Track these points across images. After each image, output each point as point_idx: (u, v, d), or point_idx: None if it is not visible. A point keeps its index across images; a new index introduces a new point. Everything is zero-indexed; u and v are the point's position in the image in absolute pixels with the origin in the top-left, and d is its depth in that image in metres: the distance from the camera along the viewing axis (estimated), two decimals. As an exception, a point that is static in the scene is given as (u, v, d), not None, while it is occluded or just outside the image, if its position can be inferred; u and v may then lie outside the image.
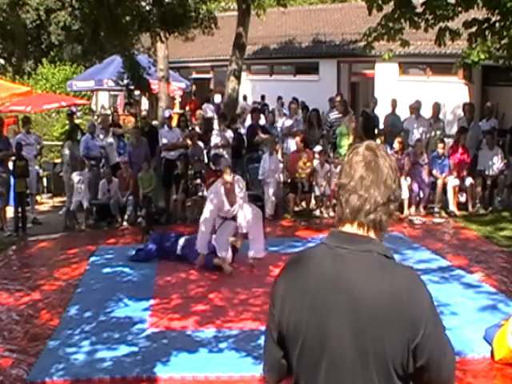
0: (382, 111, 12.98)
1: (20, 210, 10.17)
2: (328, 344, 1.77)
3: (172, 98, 17.88)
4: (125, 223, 10.47)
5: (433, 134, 11.69)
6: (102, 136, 11.65)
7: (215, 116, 13.85)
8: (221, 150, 11.26)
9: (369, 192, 1.82)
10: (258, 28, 19.74)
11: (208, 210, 7.64)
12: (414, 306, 1.76)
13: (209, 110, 16.71)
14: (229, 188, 7.66)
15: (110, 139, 11.61)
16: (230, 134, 11.41)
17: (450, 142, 11.91)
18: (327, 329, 1.78)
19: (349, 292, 1.76)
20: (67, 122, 13.76)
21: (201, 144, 11.36)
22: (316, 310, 1.80)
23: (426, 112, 12.08)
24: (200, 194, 10.50)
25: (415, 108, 11.91)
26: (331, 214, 10.71)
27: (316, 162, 10.98)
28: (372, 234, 1.84)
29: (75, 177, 10.43)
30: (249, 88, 20.17)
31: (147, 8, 13.51)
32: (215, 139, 11.34)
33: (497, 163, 10.87)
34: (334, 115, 12.42)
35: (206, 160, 11.39)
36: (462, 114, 12.32)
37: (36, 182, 11.69)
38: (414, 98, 12.27)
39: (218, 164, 10.88)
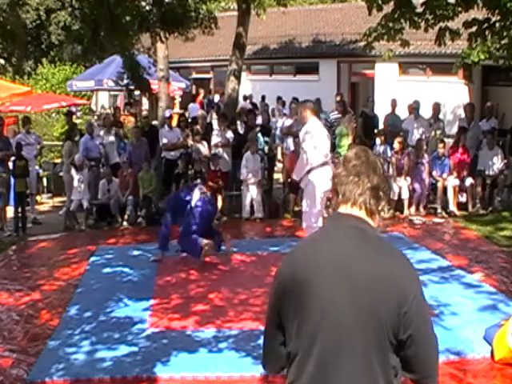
0: (381, 111, 12.98)
1: (20, 210, 10.17)
2: (326, 312, 1.95)
3: (172, 98, 17.89)
4: (125, 223, 10.48)
5: (433, 134, 11.69)
6: (102, 133, 11.65)
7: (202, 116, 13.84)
8: (221, 150, 11.27)
9: (359, 177, 2.10)
10: (258, 28, 19.74)
11: None
12: (403, 276, 1.98)
13: (194, 110, 16.88)
14: None
15: (111, 138, 11.61)
16: (230, 134, 11.41)
17: (450, 142, 11.92)
18: (326, 297, 1.96)
19: (346, 264, 1.97)
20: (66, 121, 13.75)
21: (204, 143, 11.36)
22: (316, 282, 1.98)
23: (426, 112, 12.08)
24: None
25: (414, 108, 11.91)
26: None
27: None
28: (364, 215, 2.10)
29: (75, 176, 10.43)
30: (249, 88, 20.17)
31: (147, 8, 13.50)
32: (215, 139, 11.34)
33: (497, 163, 10.87)
34: (334, 115, 12.41)
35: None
36: (463, 114, 12.32)
37: (36, 182, 11.69)
38: (414, 98, 12.27)
39: (216, 164, 10.90)
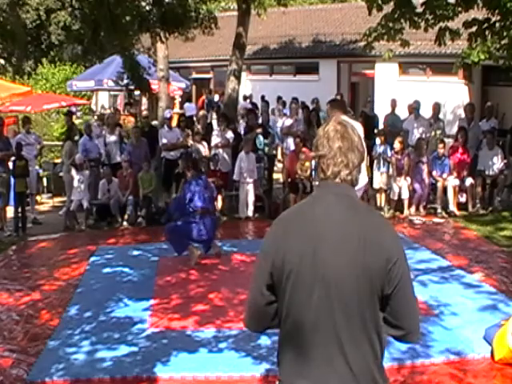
0: (381, 111, 12.98)
1: (20, 210, 10.17)
2: (321, 271, 2.07)
3: (172, 98, 17.89)
4: (125, 223, 10.48)
5: (433, 133, 11.69)
6: (104, 132, 11.65)
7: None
8: (221, 150, 11.27)
9: (347, 157, 2.22)
10: (258, 28, 19.74)
11: None
12: (390, 239, 2.18)
13: (189, 110, 16.90)
14: None
15: (114, 137, 11.61)
16: (229, 134, 11.41)
17: (450, 142, 11.92)
18: (320, 257, 2.08)
19: (342, 228, 2.11)
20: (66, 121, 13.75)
21: (204, 144, 11.36)
22: (310, 243, 2.10)
23: (426, 112, 12.08)
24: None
25: (414, 108, 11.91)
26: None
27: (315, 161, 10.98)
28: (349, 186, 2.25)
29: (75, 176, 10.43)
30: (249, 88, 20.17)
31: (147, 8, 13.49)
32: (215, 139, 11.34)
33: (497, 163, 10.87)
34: (334, 115, 12.40)
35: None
36: (463, 114, 12.32)
37: (36, 182, 11.68)
38: (414, 98, 12.27)
39: (216, 164, 10.90)
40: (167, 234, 8.14)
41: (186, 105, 18.44)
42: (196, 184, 8.01)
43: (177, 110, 18.10)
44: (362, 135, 7.35)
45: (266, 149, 11.89)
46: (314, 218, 2.15)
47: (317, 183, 2.29)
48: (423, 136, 11.49)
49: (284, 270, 2.10)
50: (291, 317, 2.12)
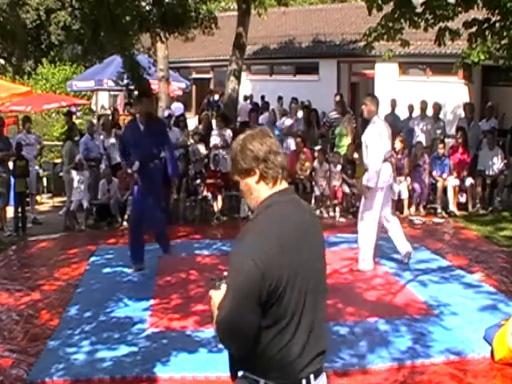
0: (381, 111, 12.96)
1: (20, 210, 10.17)
2: (307, 275, 2.29)
3: (172, 98, 17.90)
4: (125, 223, 10.47)
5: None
6: (102, 137, 11.64)
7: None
8: (221, 150, 11.26)
9: (281, 157, 2.41)
10: (258, 28, 19.74)
11: None
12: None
13: (178, 110, 16.98)
14: None
15: (112, 140, 11.60)
16: (229, 134, 11.40)
17: (450, 142, 11.92)
18: (305, 263, 2.28)
19: (306, 227, 2.35)
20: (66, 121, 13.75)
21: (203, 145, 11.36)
22: (294, 251, 2.26)
23: (426, 112, 12.07)
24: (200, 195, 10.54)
25: (421, 108, 11.93)
26: (331, 214, 10.74)
27: (315, 161, 10.97)
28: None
29: (75, 176, 10.43)
30: (249, 88, 20.17)
31: (147, 8, 13.48)
32: (214, 140, 11.33)
33: (497, 163, 10.88)
34: (333, 115, 12.42)
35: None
36: (463, 114, 12.32)
37: (36, 182, 11.69)
38: (414, 98, 12.28)
39: (216, 164, 10.89)
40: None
41: (174, 104, 18.39)
42: None
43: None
44: (387, 134, 7.42)
45: None
46: (292, 224, 2.30)
47: (272, 191, 2.37)
48: (429, 136, 11.52)
49: (279, 281, 2.18)
50: (286, 317, 2.23)
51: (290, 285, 2.21)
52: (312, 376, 2.33)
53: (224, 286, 2.28)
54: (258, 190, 2.37)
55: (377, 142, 7.28)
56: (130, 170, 7.73)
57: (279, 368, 2.26)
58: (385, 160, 7.38)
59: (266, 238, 2.21)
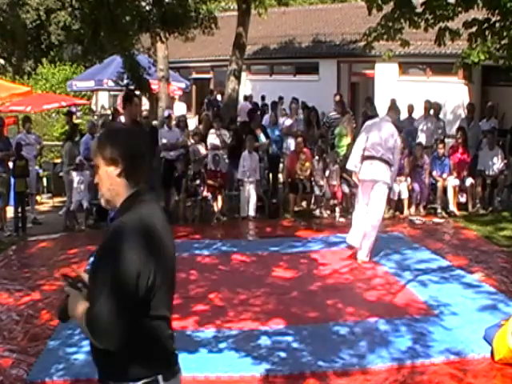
0: (381, 111, 12.96)
1: (20, 210, 10.17)
2: (171, 272, 2.37)
3: (172, 98, 17.89)
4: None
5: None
6: None
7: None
8: (221, 150, 11.25)
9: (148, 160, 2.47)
10: (258, 28, 19.74)
11: None
12: None
13: (180, 110, 17.02)
14: None
15: None
16: (226, 134, 11.39)
17: (450, 142, 11.92)
18: (170, 260, 2.36)
19: (167, 228, 2.40)
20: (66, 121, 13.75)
21: (204, 144, 11.34)
22: (164, 248, 2.32)
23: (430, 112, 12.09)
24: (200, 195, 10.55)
25: (425, 108, 11.94)
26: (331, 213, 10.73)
27: (313, 160, 10.96)
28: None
29: (75, 177, 10.42)
30: (249, 88, 20.17)
31: (147, 8, 13.49)
32: (213, 140, 11.32)
33: (497, 163, 10.88)
34: (333, 115, 12.41)
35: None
36: (464, 114, 12.33)
37: (36, 182, 11.69)
38: (414, 98, 12.28)
39: (216, 165, 10.89)
40: None
41: (177, 104, 18.37)
42: None
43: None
44: (390, 132, 7.68)
45: (271, 149, 11.82)
46: (157, 223, 2.34)
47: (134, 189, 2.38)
48: (432, 136, 11.53)
49: (151, 280, 2.23)
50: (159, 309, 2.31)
51: (163, 281, 2.27)
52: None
53: (85, 291, 2.31)
54: (117, 184, 2.37)
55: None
56: None
57: (165, 360, 2.45)
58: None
59: (140, 236, 2.22)
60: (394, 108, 8.66)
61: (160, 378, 2.40)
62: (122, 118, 7.47)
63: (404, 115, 12.54)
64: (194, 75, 23.50)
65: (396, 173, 8.42)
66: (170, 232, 2.42)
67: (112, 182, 2.37)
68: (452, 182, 10.64)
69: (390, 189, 10.40)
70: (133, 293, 2.17)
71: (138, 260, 2.17)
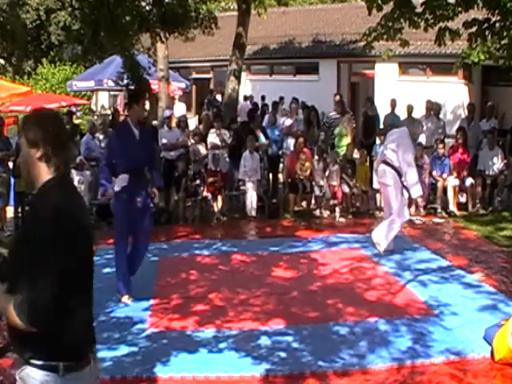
0: (381, 111, 12.99)
1: (20, 210, 10.17)
2: (87, 255, 2.49)
3: (172, 98, 17.89)
4: (125, 223, 10.45)
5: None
6: (101, 137, 11.64)
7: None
8: (218, 150, 11.24)
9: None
10: (258, 28, 19.75)
11: None
12: None
13: (180, 111, 17.00)
14: None
15: None
16: (225, 134, 11.38)
17: (450, 142, 11.92)
18: (82, 245, 2.42)
19: (80, 217, 2.44)
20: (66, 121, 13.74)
21: (204, 144, 11.33)
22: (87, 233, 2.47)
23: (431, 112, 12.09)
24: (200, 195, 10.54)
25: (427, 108, 11.93)
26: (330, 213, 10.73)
27: (313, 159, 10.96)
28: None
29: (75, 177, 10.42)
30: (249, 88, 20.17)
31: (147, 8, 13.49)
32: (213, 140, 11.32)
33: (497, 163, 10.88)
34: (333, 115, 12.41)
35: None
36: (464, 114, 12.33)
37: (36, 182, 11.66)
38: (414, 98, 12.28)
39: (216, 165, 10.88)
40: None
41: (177, 105, 18.38)
42: None
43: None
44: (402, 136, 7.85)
45: (271, 149, 11.80)
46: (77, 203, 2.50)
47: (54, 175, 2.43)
48: (433, 136, 11.53)
49: (85, 260, 2.44)
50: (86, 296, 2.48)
51: (81, 264, 2.39)
52: (93, 356, 2.62)
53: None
54: (38, 167, 2.41)
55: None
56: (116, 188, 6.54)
57: (71, 348, 2.43)
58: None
59: (57, 220, 2.29)
60: (414, 124, 8.94)
61: (61, 365, 2.42)
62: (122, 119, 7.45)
63: (404, 115, 12.56)
64: (194, 75, 23.51)
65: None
66: (87, 216, 2.57)
67: (32, 165, 2.41)
68: (452, 181, 10.64)
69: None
70: (63, 276, 2.27)
71: (61, 245, 2.26)
